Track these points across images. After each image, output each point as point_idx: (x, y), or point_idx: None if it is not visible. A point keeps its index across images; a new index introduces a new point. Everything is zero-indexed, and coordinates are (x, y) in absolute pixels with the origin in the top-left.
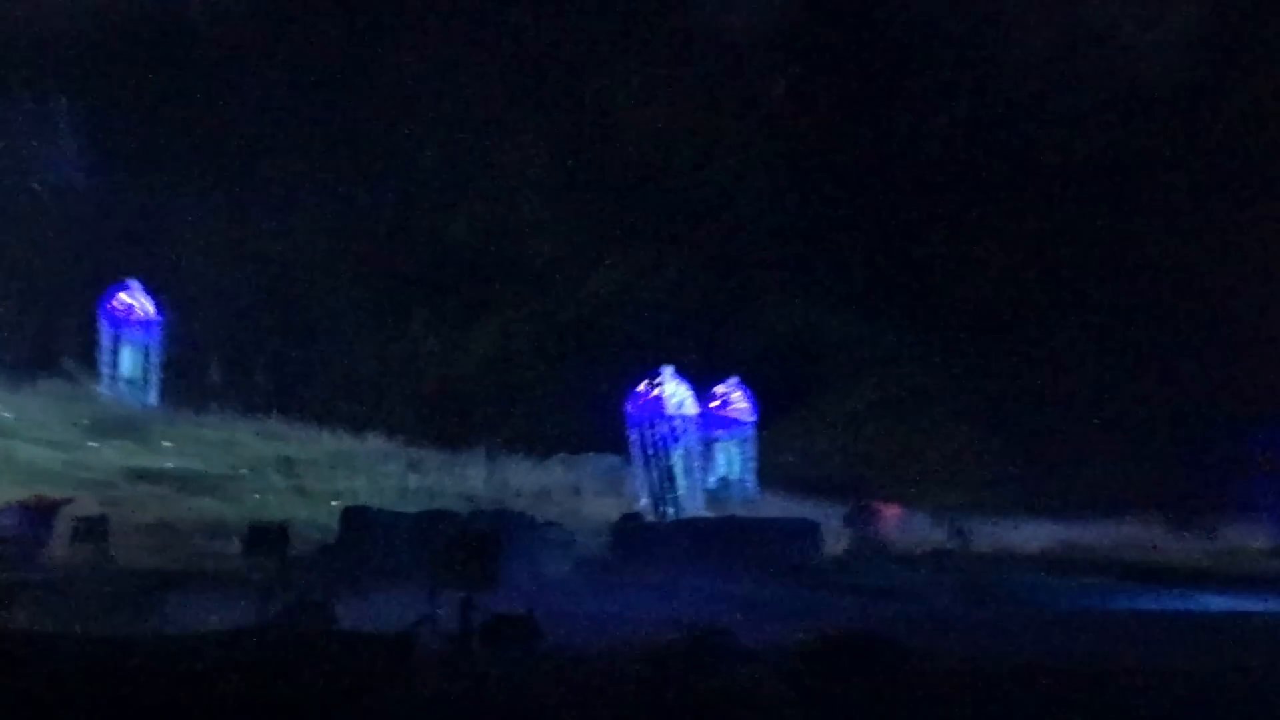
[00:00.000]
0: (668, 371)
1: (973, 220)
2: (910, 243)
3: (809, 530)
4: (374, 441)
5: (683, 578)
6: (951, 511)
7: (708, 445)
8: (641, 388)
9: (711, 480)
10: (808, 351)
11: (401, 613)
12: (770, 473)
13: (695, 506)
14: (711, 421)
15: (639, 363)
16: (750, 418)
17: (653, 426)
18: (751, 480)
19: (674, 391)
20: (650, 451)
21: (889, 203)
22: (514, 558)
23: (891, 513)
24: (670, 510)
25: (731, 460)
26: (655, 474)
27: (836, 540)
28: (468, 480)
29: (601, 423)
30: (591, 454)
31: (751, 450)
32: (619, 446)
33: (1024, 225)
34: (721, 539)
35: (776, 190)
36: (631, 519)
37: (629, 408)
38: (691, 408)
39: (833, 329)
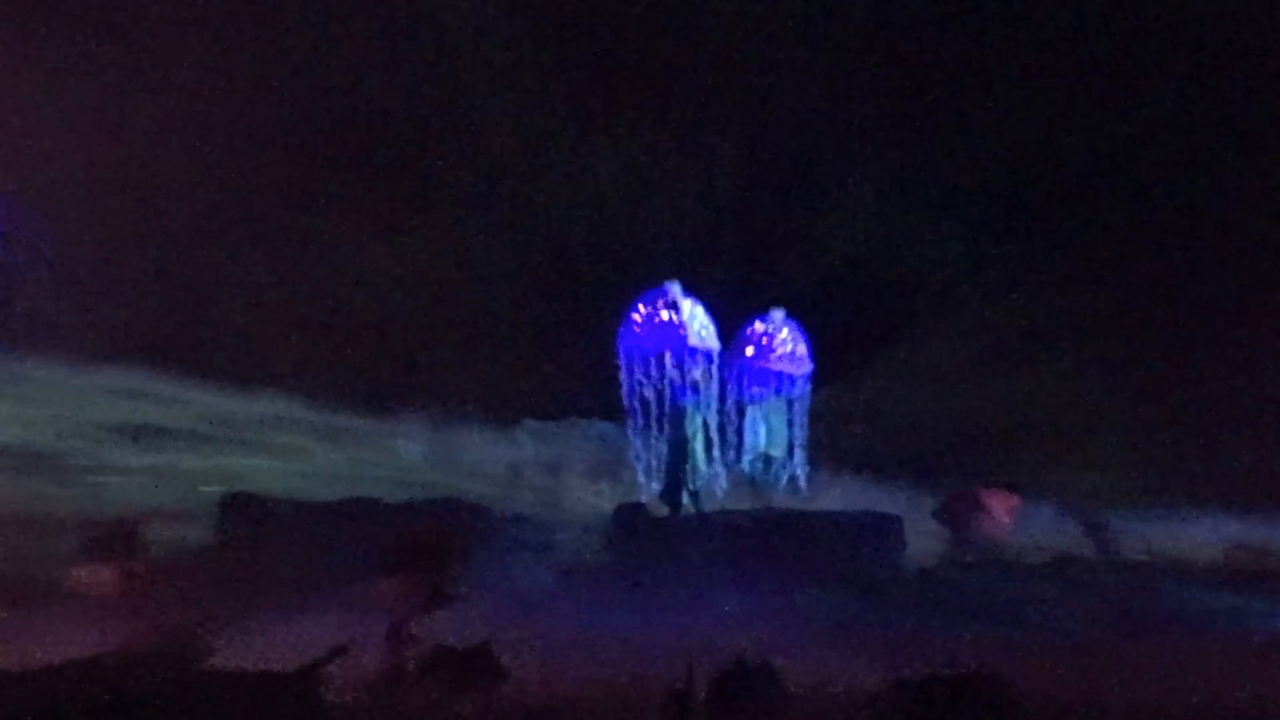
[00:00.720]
0: (675, 288)
1: (1126, 100)
2: (1037, 125)
3: (886, 528)
4: (268, 401)
5: (705, 594)
6: (1088, 501)
7: (740, 407)
8: (640, 312)
9: (746, 457)
10: (885, 276)
11: (305, 641)
12: (830, 447)
13: (724, 494)
14: (747, 374)
15: (641, 290)
16: (803, 368)
17: (658, 366)
18: (802, 458)
19: (690, 314)
20: (655, 407)
21: (1008, 64)
22: (466, 565)
23: (1003, 504)
24: (687, 499)
25: (775, 429)
26: (665, 444)
27: (925, 542)
28: (402, 457)
29: (590, 376)
30: (576, 419)
31: (803, 414)
32: (613, 409)
33: (1197, 112)
34: (760, 539)
35: (840, 42)
36: (632, 512)
37: (622, 340)
38: (713, 340)
39: (922, 245)
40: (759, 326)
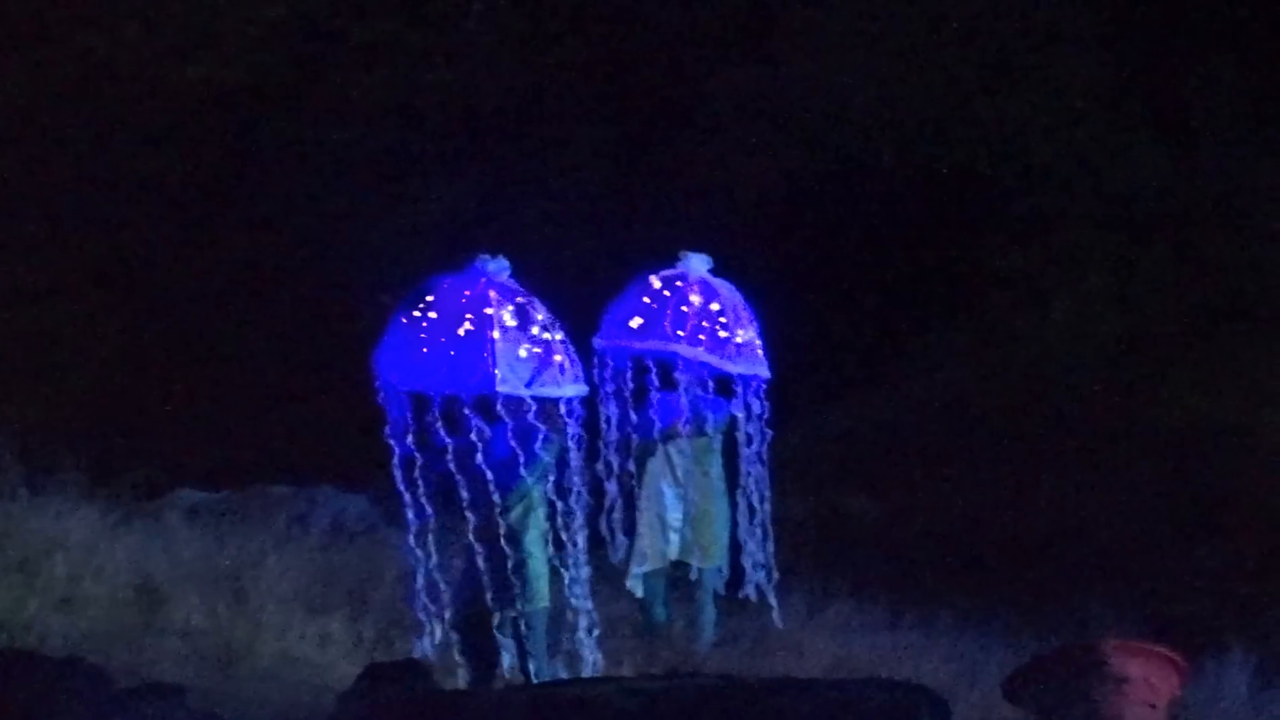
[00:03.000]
0: (497, 269)
1: None
2: None
3: (917, 713)
4: None
5: None
6: None
7: (633, 453)
8: (421, 314)
9: (638, 567)
10: (909, 184)
11: None
12: (806, 540)
13: (590, 646)
14: (637, 378)
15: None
16: (754, 367)
17: (457, 407)
18: (762, 562)
19: (519, 314)
20: (449, 470)
21: None
22: None
23: (1155, 670)
24: (510, 656)
25: (697, 502)
26: (469, 543)
27: None
28: None
29: (320, 412)
30: (284, 490)
31: (760, 469)
32: (362, 472)
33: None
34: None
35: None
36: (393, 678)
37: (383, 363)
38: (566, 374)
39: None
40: (656, 284)
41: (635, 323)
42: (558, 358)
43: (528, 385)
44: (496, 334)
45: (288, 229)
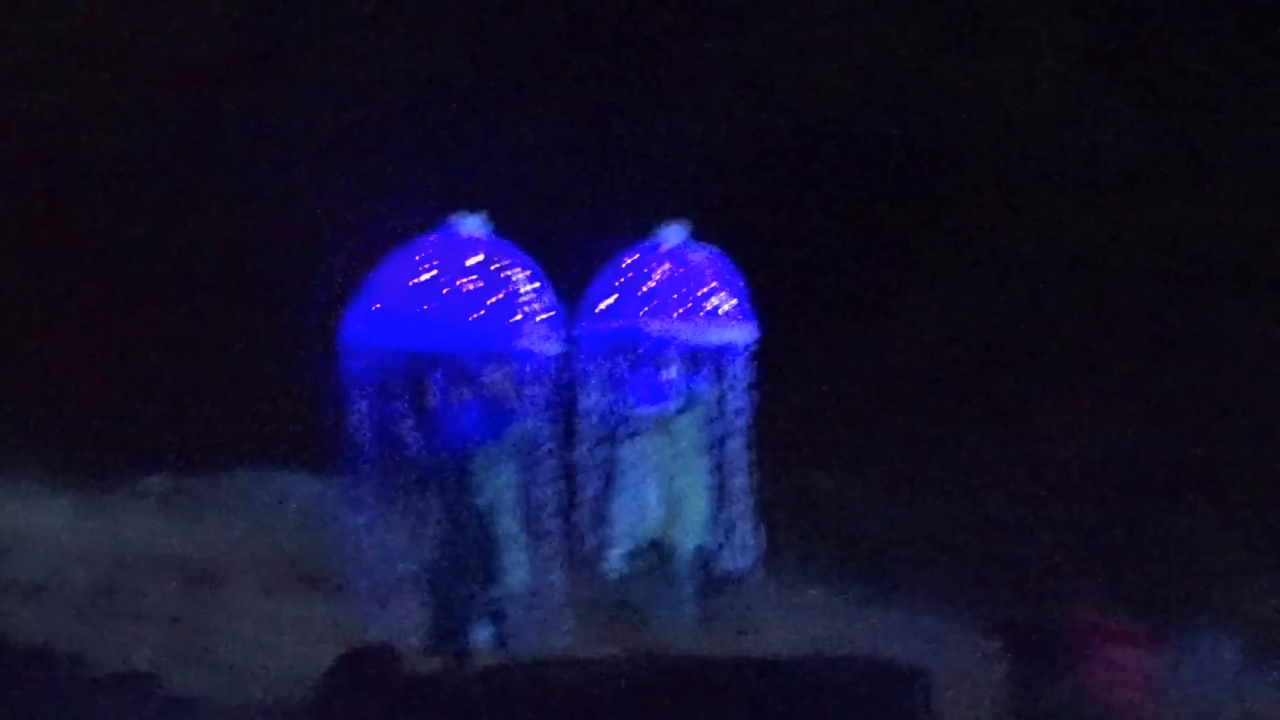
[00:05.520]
0: (473, 225)
1: None
2: None
3: (897, 692)
4: None
5: None
6: None
7: (605, 435)
8: (396, 274)
9: (618, 548)
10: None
11: None
12: (787, 512)
13: (567, 625)
14: (613, 356)
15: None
16: (738, 333)
17: (433, 373)
18: (748, 539)
19: (507, 276)
20: (413, 447)
21: None
22: None
23: (1124, 652)
24: (487, 634)
25: (680, 480)
26: (436, 525)
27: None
28: None
29: (276, 385)
30: (240, 471)
31: (741, 444)
32: (317, 452)
33: None
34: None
35: None
36: (360, 669)
37: (352, 329)
38: (549, 334)
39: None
40: (627, 262)
41: (605, 305)
42: (539, 313)
43: (518, 342)
44: (499, 289)
45: (251, 209)
